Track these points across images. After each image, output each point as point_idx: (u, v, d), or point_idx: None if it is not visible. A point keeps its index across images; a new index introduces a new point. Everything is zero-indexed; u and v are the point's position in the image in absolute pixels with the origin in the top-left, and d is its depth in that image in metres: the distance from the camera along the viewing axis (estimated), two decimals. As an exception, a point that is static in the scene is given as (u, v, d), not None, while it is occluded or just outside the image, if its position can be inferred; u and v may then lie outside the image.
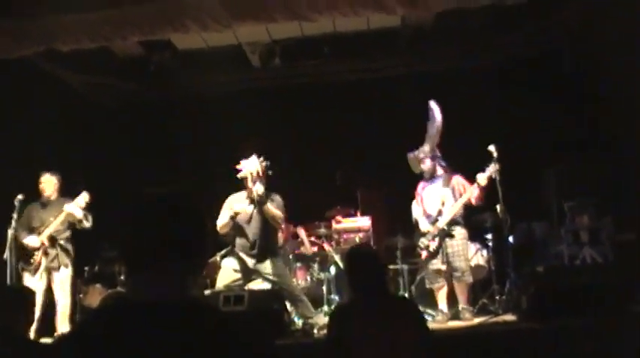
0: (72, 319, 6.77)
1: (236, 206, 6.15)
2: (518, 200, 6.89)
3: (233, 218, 6.11)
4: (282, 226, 7.38)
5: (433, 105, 7.10)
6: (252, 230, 6.14)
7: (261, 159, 6.06)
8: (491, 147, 6.55)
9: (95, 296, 7.46)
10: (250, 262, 6.14)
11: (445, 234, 6.61)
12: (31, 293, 4.04)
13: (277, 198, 6.24)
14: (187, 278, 1.57)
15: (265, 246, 6.15)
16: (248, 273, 6.19)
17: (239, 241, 6.23)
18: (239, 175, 6.07)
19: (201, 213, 1.62)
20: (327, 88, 9.26)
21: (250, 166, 6.04)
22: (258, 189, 5.97)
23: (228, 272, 6.18)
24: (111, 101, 9.75)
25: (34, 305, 4.02)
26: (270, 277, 6.13)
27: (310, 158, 9.10)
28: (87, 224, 6.85)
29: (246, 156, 6.11)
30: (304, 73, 9.33)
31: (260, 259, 6.13)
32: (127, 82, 9.27)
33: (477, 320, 6.28)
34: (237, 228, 6.22)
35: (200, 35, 7.85)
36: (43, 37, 6.54)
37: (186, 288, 1.55)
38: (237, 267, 6.16)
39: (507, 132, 7.46)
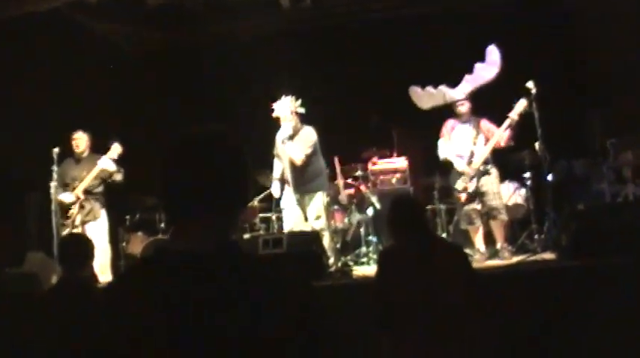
0: (114, 267, 6.95)
1: (277, 140, 6.52)
2: (558, 138, 6.75)
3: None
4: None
5: (494, 49, 6.80)
6: (287, 167, 6.52)
7: (292, 98, 6.40)
8: (530, 84, 6.38)
9: (137, 243, 7.65)
10: (295, 198, 6.53)
11: (481, 174, 6.53)
12: (88, 240, 4.12)
13: (305, 133, 6.47)
14: (227, 223, 1.52)
15: (300, 183, 6.45)
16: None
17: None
18: (273, 115, 6.42)
19: (240, 151, 1.53)
20: (359, 27, 9.09)
21: (281, 107, 6.39)
22: (283, 134, 6.36)
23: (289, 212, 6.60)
24: (140, 50, 9.72)
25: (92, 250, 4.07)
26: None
27: (345, 100, 9.01)
28: (119, 177, 6.99)
29: (278, 98, 6.45)
30: (335, 13, 9.16)
31: (300, 195, 6.52)
32: (157, 29, 9.23)
33: (515, 259, 6.25)
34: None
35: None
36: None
37: (227, 234, 1.51)
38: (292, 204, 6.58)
39: (549, 72, 7.25)
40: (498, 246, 6.54)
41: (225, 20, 9.09)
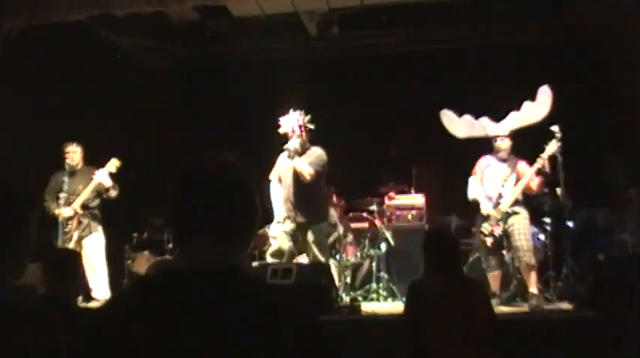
0: (116, 284, 6.82)
1: (279, 160, 6.11)
2: (580, 185, 6.59)
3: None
4: (335, 200, 7.34)
5: (546, 90, 6.48)
6: (286, 188, 6.05)
7: (300, 112, 5.98)
8: (555, 128, 6.18)
9: (143, 263, 7.54)
10: (290, 228, 6.02)
11: (508, 216, 6.14)
12: (78, 257, 3.99)
13: (316, 151, 5.99)
14: (235, 249, 1.52)
15: (301, 207, 5.97)
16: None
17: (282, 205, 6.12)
18: (280, 131, 5.99)
19: (250, 181, 1.55)
20: (384, 59, 9.07)
21: (289, 122, 5.96)
22: (292, 144, 5.88)
23: (273, 240, 6.11)
24: (163, 66, 9.74)
25: (80, 269, 3.98)
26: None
27: (365, 132, 8.93)
28: (114, 193, 6.83)
29: (285, 113, 6.03)
30: (362, 43, 9.15)
31: (299, 224, 6.00)
32: (181, 46, 9.27)
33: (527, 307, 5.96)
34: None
35: (257, 1, 7.70)
36: (99, 1, 6.53)
37: (233, 259, 1.49)
38: (279, 235, 6.07)
39: (569, 116, 7.08)
40: (530, 291, 5.98)
41: (248, 41, 9.10)
